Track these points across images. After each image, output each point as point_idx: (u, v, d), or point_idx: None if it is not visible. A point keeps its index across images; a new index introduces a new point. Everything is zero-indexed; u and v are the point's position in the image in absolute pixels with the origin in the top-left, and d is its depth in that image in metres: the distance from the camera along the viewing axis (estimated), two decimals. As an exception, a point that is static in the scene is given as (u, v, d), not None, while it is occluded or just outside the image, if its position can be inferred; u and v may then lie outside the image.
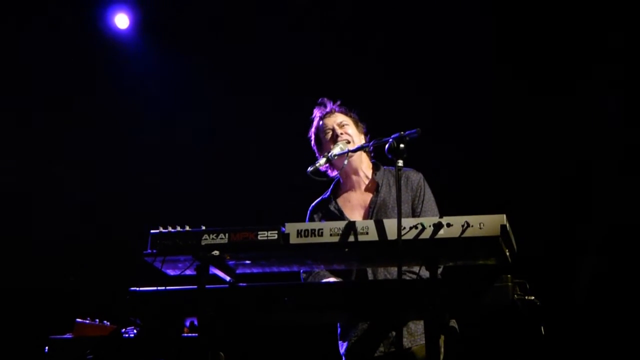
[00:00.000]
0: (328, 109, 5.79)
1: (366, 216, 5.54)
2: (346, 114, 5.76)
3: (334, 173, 5.66)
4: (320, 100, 5.85)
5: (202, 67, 9.11)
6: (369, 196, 5.61)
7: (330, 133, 5.66)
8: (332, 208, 5.63)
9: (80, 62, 9.06)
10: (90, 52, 9.13)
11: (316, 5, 8.84)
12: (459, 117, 8.33)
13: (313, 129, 5.82)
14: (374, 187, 5.63)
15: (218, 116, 9.04)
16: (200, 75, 9.12)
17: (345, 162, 5.45)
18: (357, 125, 5.74)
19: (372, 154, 5.73)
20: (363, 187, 5.68)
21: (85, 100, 9.13)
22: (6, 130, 9.05)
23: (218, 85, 9.08)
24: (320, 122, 5.76)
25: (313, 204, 5.76)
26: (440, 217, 4.27)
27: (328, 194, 5.73)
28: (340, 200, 5.67)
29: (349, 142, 5.56)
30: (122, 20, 9.15)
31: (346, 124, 5.69)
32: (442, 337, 4.88)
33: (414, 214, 5.42)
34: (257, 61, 8.96)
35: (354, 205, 5.64)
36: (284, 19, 8.92)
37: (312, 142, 5.83)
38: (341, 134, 5.62)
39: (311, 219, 5.67)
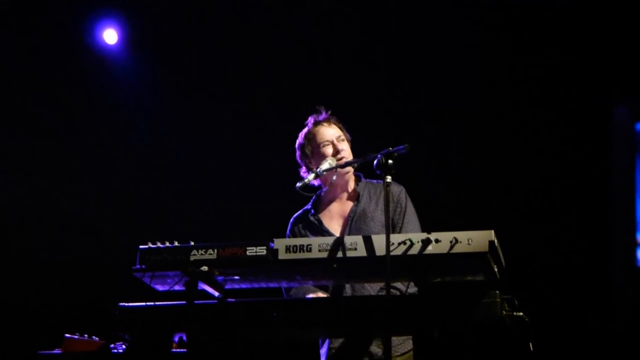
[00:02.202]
0: (324, 118, 5.69)
1: (345, 225, 5.54)
2: (339, 127, 5.70)
3: (318, 183, 5.65)
4: (317, 107, 5.74)
5: (191, 82, 9.12)
6: (349, 205, 5.61)
7: (330, 146, 5.57)
8: (312, 219, 5.62)
9: (68, 78, 9.06)
10: (78, 67, 9.12)
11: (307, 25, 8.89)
12: (447, 126, 8.36)
13: (304, 137, 5.70)
14: (354, 197, 5.62)
15: (207, 131, 9.05)
16: (189, 90, 9.13)
17: (334, 177, 5.46)
18: (348, 140, 5.71)
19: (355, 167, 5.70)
20: (344, 197, 5.67)
21: (73, 116, 9.12)
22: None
23: (207, 100, 9.09)
24: (316, 132, 5.65)
25: (295, 215, 5.74)
26: (429, 232, 4.28)
27: (310, 205, 5.72)
28: (320, 212, 5.67)
29: (344, 158, 5.51)
30: (110, 36, 9.15)
31: (342, 139, 5.64)
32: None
33: (394, 228, 5.40)
34: (248, 76, 8.98)
35: (333, 214, 5.64)
36: (271, 33, 8.95)
37: (300, 149, 5.70)
38: (342, 149, 5.56)
39: (292, 231, 5.65)
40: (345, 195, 5.68)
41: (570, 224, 8.03)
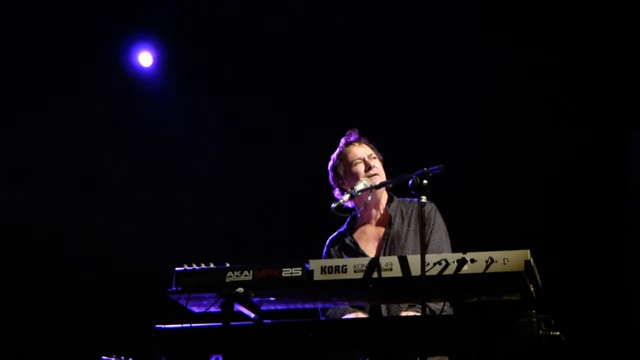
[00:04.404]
0: (355, 139, 5.75)
1: (379, 248, 5.55)
2: (371, 147, 5.75)
3: (352, 205, 5.67)
4: (348, 132, 5.80)
5: (224, 105, 9.16)
6: (383, 228, 5.63)
7: (362, 164, 5.62)
8: (347, 241, 5.64)
9: (103, 100, 9.13)
10: (113, 90, 9.18)
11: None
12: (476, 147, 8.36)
13: (336, 158, 5.76)
14: (387, 219, 5.63)
15: (241, 152, 9.08)
16: (222, 113, 9.16)
17: (369, 197, 5.48)
18: (380, 160, 5.74)
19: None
20: (378, 219, 5.69)
21: (109, 137, 9.18)
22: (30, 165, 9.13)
23: (240, 122, 9.13)
24: (347, 151, 5.71)
25: (330, 237, 5.76)
26: (464, 252, 4.27)
27: (345, 227, 5.74)
28: (356, 234, 5.68)
29: (377, 175, 5.55)
30: (145, 59, 9.21)
31: (374, 157, 5.68)
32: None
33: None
34: (279, 98, 9.01)
35: (369, 237, 5.65)
36: (304, 54, 8.99)
37: (332, 170, 5.76)
38: (373, 166, 5.60)
39: (328, 253, 5.68)
40: (379, 216, 5.69)
41: (593, 244, 7.99)
